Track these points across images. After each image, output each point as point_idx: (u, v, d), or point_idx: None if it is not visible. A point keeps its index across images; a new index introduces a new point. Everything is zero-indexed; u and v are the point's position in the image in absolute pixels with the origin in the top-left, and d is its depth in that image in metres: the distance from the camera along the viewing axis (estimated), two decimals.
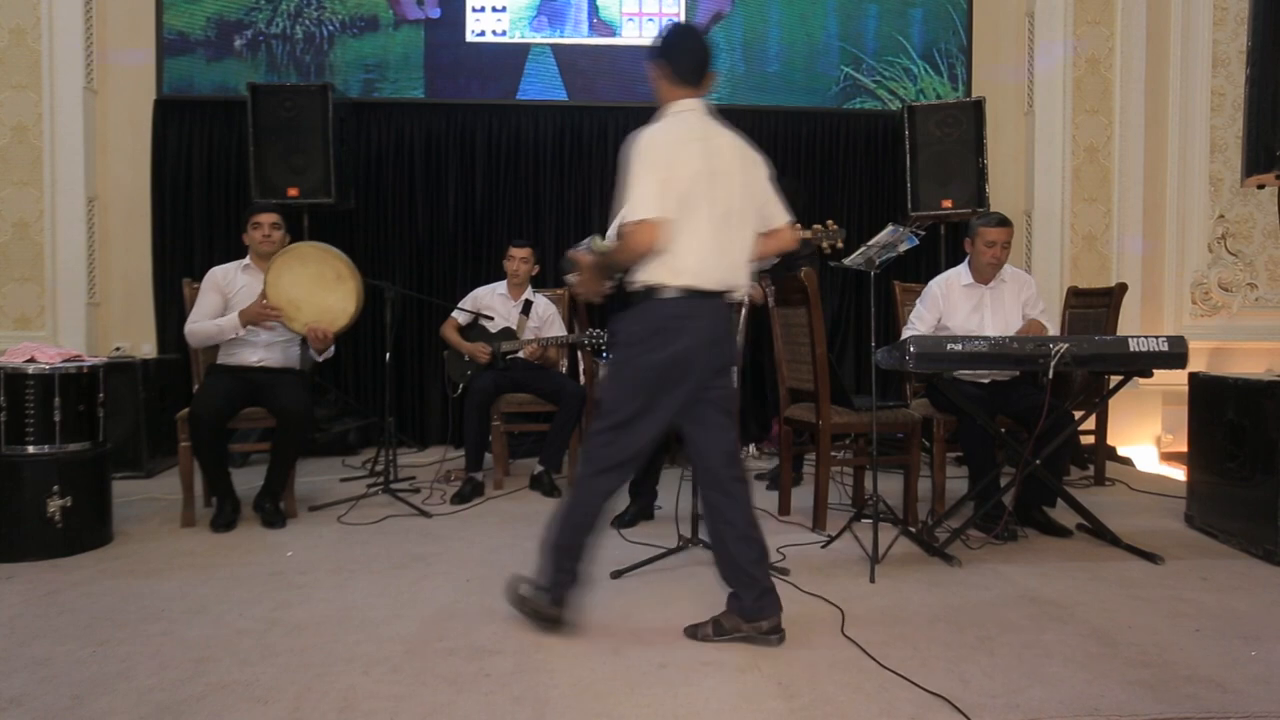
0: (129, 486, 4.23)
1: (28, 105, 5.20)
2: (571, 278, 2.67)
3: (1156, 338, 3.11)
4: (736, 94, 5.71)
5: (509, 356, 4.37)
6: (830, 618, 2.51)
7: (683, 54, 2.37)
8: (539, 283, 4.76)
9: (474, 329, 4.50)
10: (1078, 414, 3.59)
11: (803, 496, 3.84)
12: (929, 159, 5.23)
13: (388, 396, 4.24)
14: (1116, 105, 5.66)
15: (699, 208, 2.26)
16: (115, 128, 5.47)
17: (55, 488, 3.11)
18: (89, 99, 5.31)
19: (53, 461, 3.14)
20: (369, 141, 5.57)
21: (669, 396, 2.30)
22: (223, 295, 3.69)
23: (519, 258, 4.49)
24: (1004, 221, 3.57)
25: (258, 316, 3.57)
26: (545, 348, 4.35)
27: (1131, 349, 3.07)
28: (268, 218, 3.74)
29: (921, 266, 5.42)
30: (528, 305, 4.52)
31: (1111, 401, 4.02)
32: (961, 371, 3.46)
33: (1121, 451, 5.27)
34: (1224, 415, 3.34)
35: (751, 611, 2.33)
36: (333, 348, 3.76)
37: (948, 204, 5.21)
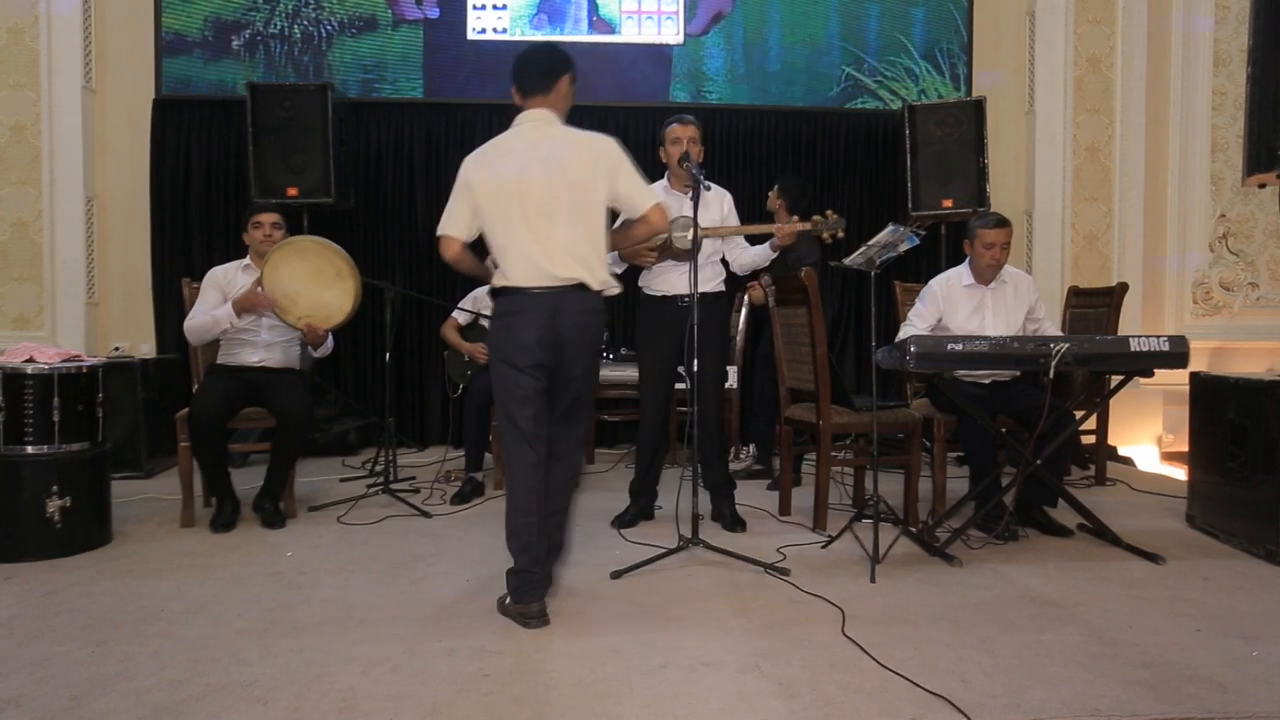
0: (128, 487, 4.22)
1: (26, 104, 5.20)
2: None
3: (1157, 337, 3.10)
4: (737, 94, 5.71)
5: None
6: (831, 618, 2.50)
7: (522, 68, 2.61)
8: None
9: (474, 329, 4.50)
10: (1078, 414, 3.58)
11: (803, 496, 3.84)
12: (929, 159, 5.22)
13: (388, 397, 4.24)
14: (1117, 104, 5.66)
15: (511, 215, 2.51)
16: (114, 127, 5.47)
17: (54, 488, 3.10)
18: (87, 98, 5.30)
19: (52, 462, 3.13)
20: (368, 141, 5.57)
21: (522, 379, 2.49)
22: (223, 294, 3.68)
23: None
24: (1002, 222, 3.56)
25: (250, 302, 3.54)
26: None
27: (1132, 349, 3.06)
28: (269, 217, 3.73)
29: (922, 266, 5.42)
30: None
31: (1112, 401, 4.02)
32: (962, 371, 3.46)
33: (1122, 451, 5.27)
34: (1225, 415, 3.34)
35: (515, 592, 2.47)
36: (331, 344, 3.75)
37: (948, 204, 5.20)
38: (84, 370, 3.26)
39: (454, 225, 2.59)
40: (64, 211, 5.25)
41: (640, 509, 3.60)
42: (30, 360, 3.20)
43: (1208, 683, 2.10)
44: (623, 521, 3.55)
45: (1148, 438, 5.60)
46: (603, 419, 5.22)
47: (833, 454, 3.57)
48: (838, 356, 5.66)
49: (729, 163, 5.62)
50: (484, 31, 5.60)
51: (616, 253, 3.24)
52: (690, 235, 3.06)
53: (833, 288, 5.62)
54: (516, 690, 2.04)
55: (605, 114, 5.62)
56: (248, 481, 3.79)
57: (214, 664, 2.18)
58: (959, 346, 3.00)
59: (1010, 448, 3.36)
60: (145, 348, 5.38)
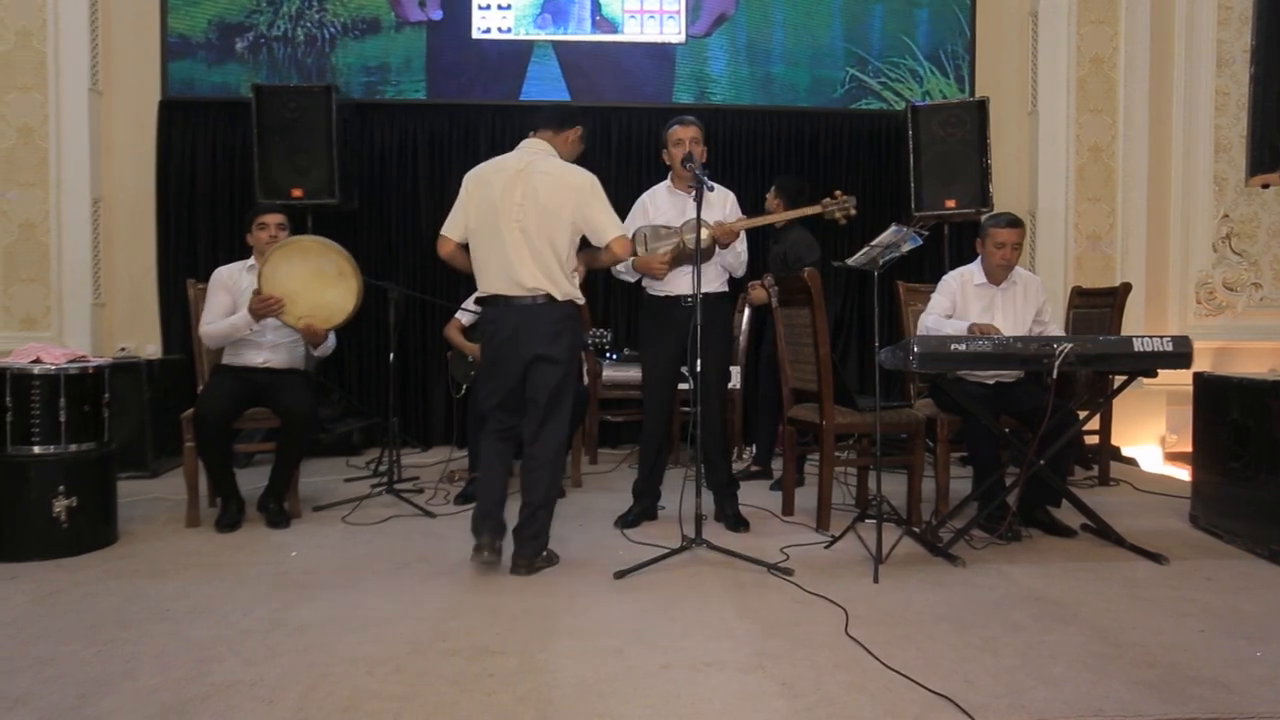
0: (134, 486, 4.24)
1: (33, 107, 5.22)
2: None
3: (1161, 338, 3.10)
4: (741, 97, 5.71)
5: None
6: (834, 618, 2.51)
7: (544, 108, 3.30)
8: None
9: (477, 330, 4.50)
10: (1082, 414, 3.58)
11: (806, 497, 3.84)
12: (932, 159, 5.22)
13: (391, 397, 4.26)
14: (1120, 105, 5.65)
15: (495, 229, 2.85)
16: (120, 129, 5.49)
17: (61, 488, 3.12)
18: (94, 100, 5.32)
19: (58, 462, 3.15)
20: (373, 142, 5.58)
21: (501, 374, 2.92)
22: (230, 295, 3.68)
23: None
24: (1014, 222, 3.55)
25: (256, 309, 3.54)
26: None
27: (1136, 349, 3.06)
28: (274, 218, 3.74)
29: (925, 266, 5.42)
30: None
31: (1116, 401, 4.01)
32: (966, 372, 3.46)
33: (1126, 452, 5.26)
34: (1229, 415, 3.33)
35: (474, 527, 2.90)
36: (333, 343, 3.76)
37: (951, 204, 5.20)
38: (90, 371, 3.28)
39: (450, 227, 3.00)
40: (71, 213, 5.26)
41: (643, 509, 3.61)
42: (37, 361, 3.21)
43: (1212, 683, 2.09)
44: (626, 522, 3.55)
45: (1151, 438, 5.59)
46: (605, 419, 5.23)
47: (836, 454, 3.57)
48: (840, 357, 5.66)
49: (732, 163, 5.62)
50: (488, 31, 5.61)
51: (630, 262, 3.40)
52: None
53: (835, 288, 5.62)
54: (520, 690, 2.05)
55: (609, 114, 5.63)
56: (252, 482, 3.80)
57: (219, 663, 2.19)
58: (962, 347, 3.00)
59: (1013, 448, 3.36)
60: (151, 348, 5.40)
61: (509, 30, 5.61)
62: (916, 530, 3.38)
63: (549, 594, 2.73)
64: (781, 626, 2.45)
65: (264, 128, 4.97)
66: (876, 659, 2.21)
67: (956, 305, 3.61)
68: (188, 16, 5.47)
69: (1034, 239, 5.73)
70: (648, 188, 3.67)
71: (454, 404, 4.65)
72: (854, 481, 4.02)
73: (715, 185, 3.22)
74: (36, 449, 3.14)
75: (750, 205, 4.17)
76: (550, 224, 2.84)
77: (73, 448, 3.18)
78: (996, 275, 3.58)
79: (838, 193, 3.48)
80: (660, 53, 5.69)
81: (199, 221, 5.50)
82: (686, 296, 3.38)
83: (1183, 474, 4.74)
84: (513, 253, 2.83)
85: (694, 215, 3.12)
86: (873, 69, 5.77)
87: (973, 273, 3.65)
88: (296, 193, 4.95)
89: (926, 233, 3.36)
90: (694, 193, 3.13)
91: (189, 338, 3.75)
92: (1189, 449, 3.73)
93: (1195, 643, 2.36)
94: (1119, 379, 3.49)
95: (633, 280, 3.64)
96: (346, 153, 5.12)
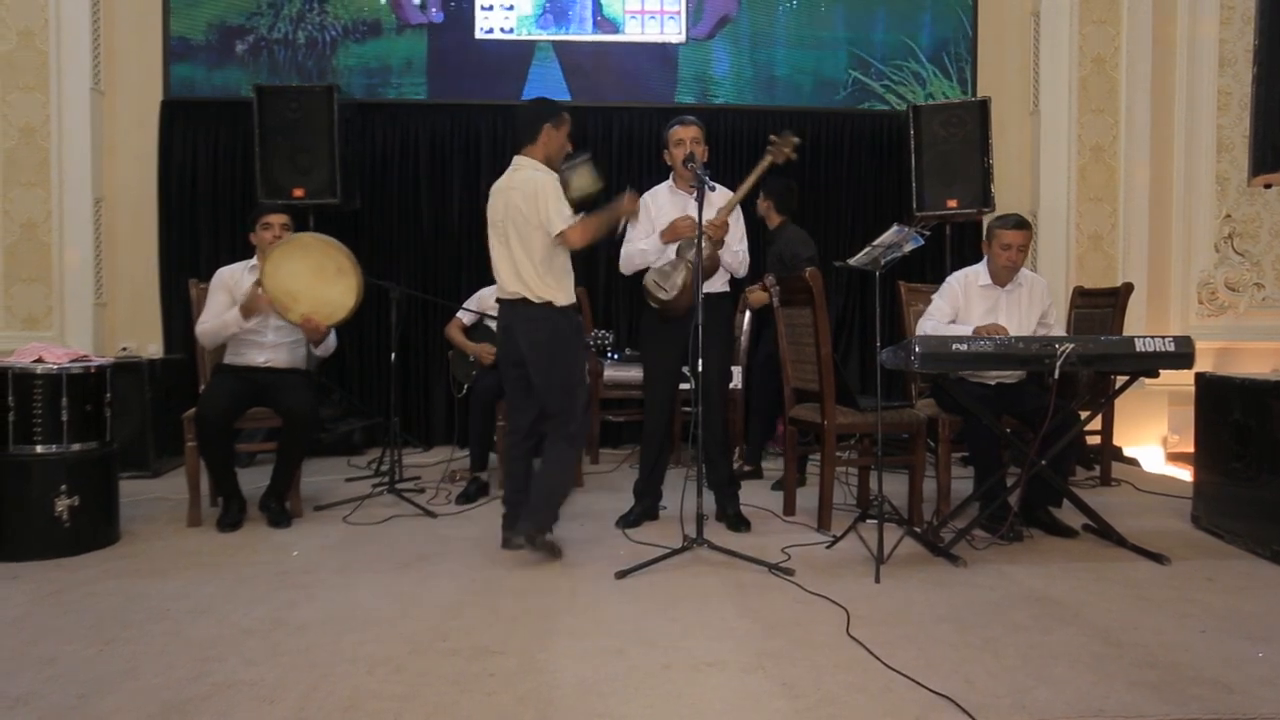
0: (136, 486, 4.24)
1: (35, 107, 5.23)
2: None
3: (1163, 338, 3.10)
4: (743, 99, 5.71)
5: None
6: (835, 618, 2.51)
7: (515, 125, 3.33)
8: None
9: (479, 329, 4.50)
10: (1083, 414, 3.58)
11: (807, 497, 3.84)
12: (934, 159, 5.22)
13: (393, 397, 4.26)
14: (1122, 105, 5.65)
15: (493, 242, 3.21)
16: (122, 129, 5.49)
17: (63, 487, 3.12)
18: (96, 100, 5.33)
19: (60, 461, 3.15)
20: (374, 142, 5.58)
21: (502, 369, 3.26)
22: (231, 295, 3.68)
23: None
24: (1021, 224, 3.54)
25: (251, 304, 3.54)
26: None
27: (1138, 349, 3.06)
28: (278, 218, 3.74)
29: (926, 266, 5.42)
30: None
31: (1117, 402, 4.01)
32: (968, 373, 3.45)
33: (1127, 452, 5.26)
34: (1230, 415, 3.33)
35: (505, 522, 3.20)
36: (334, 342, 3.76)
37: (953, 204, 5.20)
38: (92, 370, 3.28)
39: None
40: (72, 213, 5.27)
41: (645, 509, 3.61)
42: (39, 360, 3.22)
43: (1213, 684, 2.09)
44: (627, 521, 3.55)
45: (1153, 438, 5.59)
46: (607, 419, 5.23)
47: (837, 454, 3.57)
48: (842, 356, 5.66)
49: (734, 163, 5.61)
50: (491, 31, 5.61)
51: (665, 311, 3.44)
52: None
53: (837, 288, 5.62)
54: (520, 690, 2.05)
55: (610, 115, 5.64)
56: (254, 481, 3.81)
57: (220, 663, 2.19)
58: (964, 347, 3.00)
59: (1015, 448, 3.36)
60: (153, 348, 5.40)
61: (511, 31, 5.62)
62: (918, 530, 3.38)
63: (549, 594, 2.74)
64: (782, 626, 2.45)
65: (266, 127, 4.98)
66: (877, 659, 2.21)
67: (959, 308, 3.60)
68: (187, 18, 5.47)
69: (1035, 239, 5.71)
70: (649, 188, 3.67)
71: (455, 404, 4.65)
72: (855, 481, 4.01)
73: (716, 185, 3.22)
74: (39, 448, 3.14)
75: (750, 205, 4.16)
76: (524, 232, 3.11)
77: (75, 447, 3.19)
78: (1002, 277, 3.57)
79: (772, 135, 3.47)
80: (662, 54, 5.69)
81: (200, 221, 5.51)
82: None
83: (1184, 474, 4.74)
84: (502, 263, 3.18)
85: (695, 214, 3.12)
86: (876, 72, 5.76)
87: (978, 273, 3.64)
88: (298, 192, 4.95)
89: (928, 233, 3.36)
90: (695, 193, 3.14)
91: (190, 337, 3.75)
92: (1191, 449, 3.73)
93: (1196, 643, 2.36)
94: (1121, 379, 3.48)
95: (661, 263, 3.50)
96: (348, 153, 5.12)
